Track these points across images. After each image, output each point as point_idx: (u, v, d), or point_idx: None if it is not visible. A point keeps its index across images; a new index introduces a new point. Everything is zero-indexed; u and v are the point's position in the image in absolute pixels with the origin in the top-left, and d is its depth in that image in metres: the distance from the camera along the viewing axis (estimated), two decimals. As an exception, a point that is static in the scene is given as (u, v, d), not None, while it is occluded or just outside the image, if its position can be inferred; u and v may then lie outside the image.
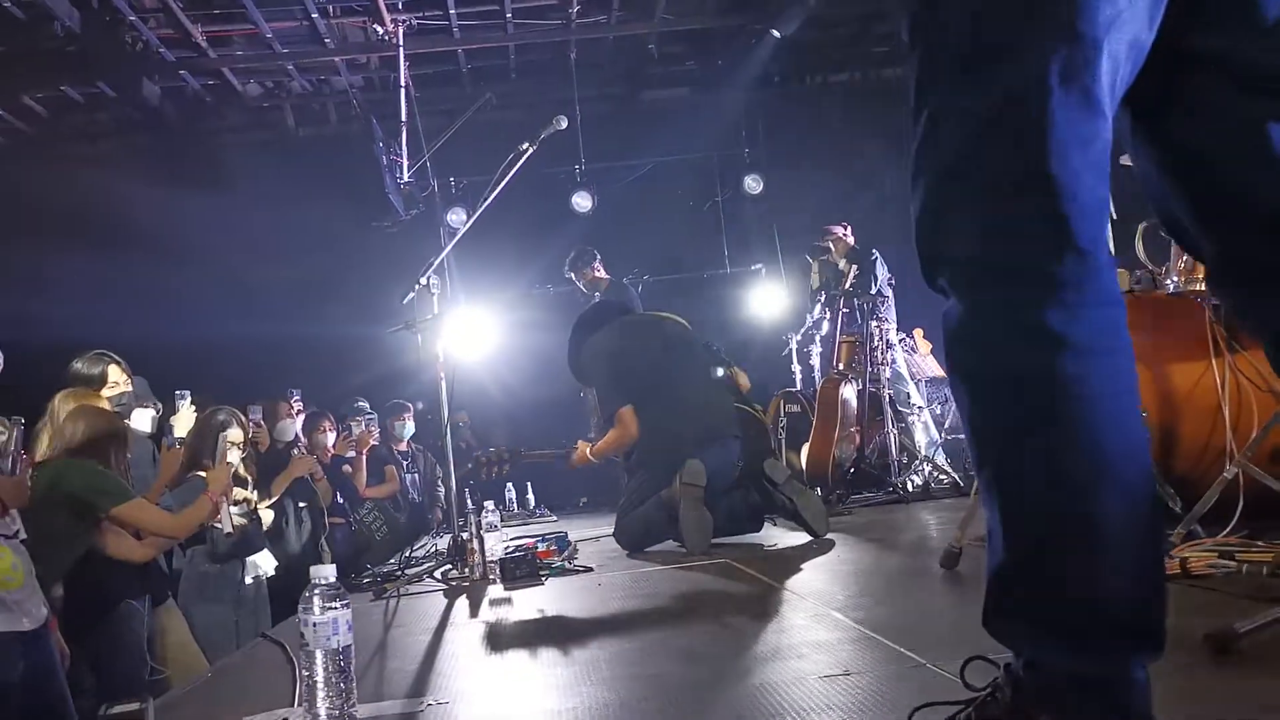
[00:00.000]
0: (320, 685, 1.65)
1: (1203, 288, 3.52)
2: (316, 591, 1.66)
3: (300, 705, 1.90)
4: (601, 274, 7.79)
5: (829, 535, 4.35)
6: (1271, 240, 1.20)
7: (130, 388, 4.46)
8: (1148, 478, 1.18)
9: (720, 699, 1.90)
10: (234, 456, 4.57)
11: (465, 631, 3.03)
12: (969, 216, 1.18)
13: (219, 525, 4.31)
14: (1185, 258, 3.66)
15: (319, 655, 1.65)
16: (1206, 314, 3.30)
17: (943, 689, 1.33)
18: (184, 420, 4.84)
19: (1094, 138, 1.14)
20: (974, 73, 1.17)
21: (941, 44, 1.21)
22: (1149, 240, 3.70)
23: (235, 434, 4.64)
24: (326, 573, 1.69)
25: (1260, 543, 2.53)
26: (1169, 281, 3.72)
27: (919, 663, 1.91)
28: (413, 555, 4.90)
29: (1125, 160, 1.37)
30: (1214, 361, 3.22)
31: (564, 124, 4.50)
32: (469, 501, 4.26)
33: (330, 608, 1.65)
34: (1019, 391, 1.15)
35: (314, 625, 1.65)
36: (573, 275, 7.85)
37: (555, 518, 7.38)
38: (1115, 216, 2.57)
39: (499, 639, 2.85)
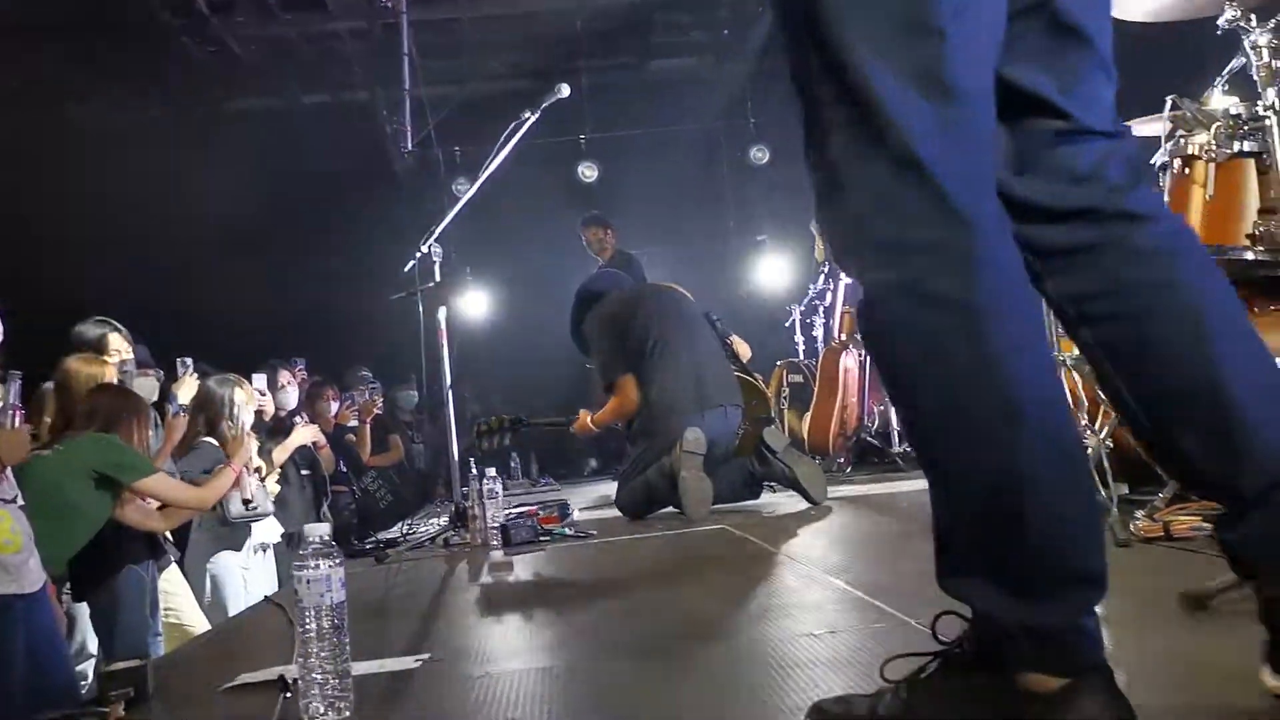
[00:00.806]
0: (314, 640, 1.69)
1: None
2: (310, 549, 1.69)
3: (295, 661, 1.93)
4: (610, 241, 7.79)
5: (827, 503, 4.38)
6: (1052, 227, 1.30)
7: (131, 355, 4.49)
8: (1068, 426, 1.21)
9: (707, 655, 1.94)
10: (248, 416, 4.71)
11: (464, 594, 3.07)
12: (856, 206, 1.20)
13: (238, 491, 4.43)
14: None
15: (312, 611, 1.68)
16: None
17: (921, 644, 1.36)
18: (187, 387, 4.88)
19: (955, 121, 1.16)
20: (829, 73, 1.18)
21: (802, 37, 1.21)
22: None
23: (240, 396, 4.79)
24: (320, 530, 1.72)
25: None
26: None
27: (903, 620, 1.94)
28: (415, 522, 4.94)
29: None
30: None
31: (566, 91, 4.50)
32: (472, 470, 4.30)
33: (323, 565, 1.68)
34: (927, 360, 1.17)
35: (307, 581, 1.68)
36: (582, 233, 7.85)
37: (559, 487, 7.42)
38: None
39: (497, 601, 2.89)
